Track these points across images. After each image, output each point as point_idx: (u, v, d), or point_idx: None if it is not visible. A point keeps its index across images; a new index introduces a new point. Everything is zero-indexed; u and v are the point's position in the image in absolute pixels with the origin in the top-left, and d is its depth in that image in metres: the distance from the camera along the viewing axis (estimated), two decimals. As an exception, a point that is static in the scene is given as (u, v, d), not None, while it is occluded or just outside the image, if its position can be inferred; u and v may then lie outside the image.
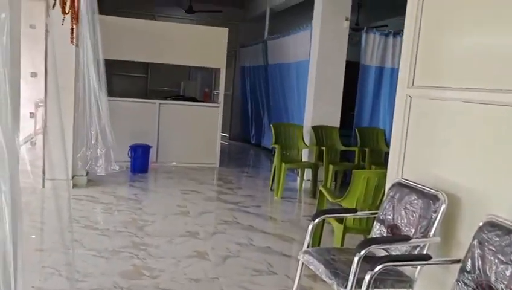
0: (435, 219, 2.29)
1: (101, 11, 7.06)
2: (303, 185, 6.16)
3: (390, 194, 2.60)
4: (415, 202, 2.42)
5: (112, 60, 8.05)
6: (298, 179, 6.36)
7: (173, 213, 4.64)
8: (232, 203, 5.18)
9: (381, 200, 3.09)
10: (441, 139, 2.54)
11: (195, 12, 8.75)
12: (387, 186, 2.80)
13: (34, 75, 5.22)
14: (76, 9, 4.46)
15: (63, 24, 4.12)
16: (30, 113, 7.44)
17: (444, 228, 2.36)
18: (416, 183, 2.50)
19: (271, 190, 5.92)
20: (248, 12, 10.27)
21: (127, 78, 9.85)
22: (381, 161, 6.15)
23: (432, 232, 2.29)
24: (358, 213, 2.76)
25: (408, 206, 2.46)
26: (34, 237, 3.75)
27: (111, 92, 6.89)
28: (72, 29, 4.46)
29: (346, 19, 6.12)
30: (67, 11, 4.10)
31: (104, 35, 6.46)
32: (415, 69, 2.81)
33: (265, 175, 7.02)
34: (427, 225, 2.31)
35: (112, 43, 6.53)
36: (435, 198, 2.32)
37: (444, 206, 2.28)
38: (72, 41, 4.42)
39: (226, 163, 7.61)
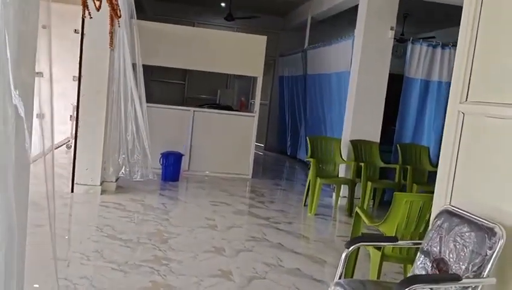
0: (491, 257, 1.96)
1: (141, 18, 7.07)
2: (338, 201, 5.85)
3: (438, 223, 2.28)
4: (467, 234, 2.10)
5: (150, 66, 8.07)
6: (334, 195, 6.05)
7: (200, 226, 4.44)
8: (263, 218, 4.93)
9: (426, 227, 2.77)
10: (499, 162, 2.21)
11: (235, 19, 8.61)
12: (434, 213, 2.49)
13: (76, 79, 5.21)
14: (115, 11, 4.39)
15: (91, 17, 4.00)
16: (70, 116, 7.53)
17: (500, 267, 2.03)
18: (469, 213, 2.18)
19: (304, 205, 5.64)
20: (289, 21, 10.07)
21: (164, 85, 9.84)
22: (424, 180, 5.76)
23: (486, 272, 1.97)
24: (400, 242, 2.45)
25: (458, 238, 2.14)
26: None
27: (148, 98, 6.86)
28: (112, 32, 4.39)
29: (392, 29, 5.80)
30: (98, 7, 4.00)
31: (141, 40, 6.45)
32: (469, 82, 2.49)
33: (299, 189, 6.74)
34: (481, 263, 1.99)
35: (149, 49, 6.49)
36: (491, 232, 2.00)
37: (501, 241, 1.95)
38: (110, 45, 4.35)
39: (260, 174, 7.38)
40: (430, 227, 2.35)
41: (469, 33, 2.50)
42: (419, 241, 2.36)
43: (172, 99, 9.31)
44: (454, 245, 2.15)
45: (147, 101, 6.84)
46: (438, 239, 2.25)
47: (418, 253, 2.32)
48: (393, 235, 2.82)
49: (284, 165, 9.06)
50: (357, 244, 2.34)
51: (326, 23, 8.74)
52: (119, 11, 4.43)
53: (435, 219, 2.32)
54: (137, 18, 6.56)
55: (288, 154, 9.49)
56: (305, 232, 4.78)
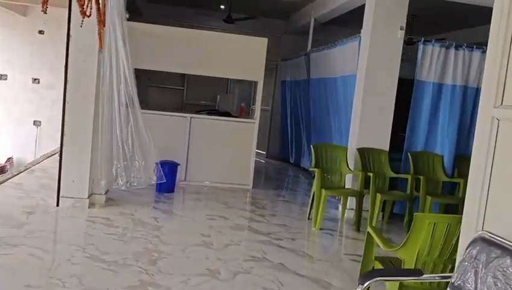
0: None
1: (138, 20, 6.72)
2: (345, 214, 5.43)
3: (472, 253, 1.88)
4: (511, 269, 1.70)
5: (147, 71, 7.71)
6: (340, 206, 5.65)
7: (194, 244, 4.04)
8: (263, 234, 4.52)
9: (452, 254, 2.36)
10: (547, 180, 1.81)
11: (234, 21, 8.25)
12: (463, 238, 2.09)
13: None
14: (102, 11, 4.03)
15: (81, 26, 3.66)
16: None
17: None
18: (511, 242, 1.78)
19: (308, 219, 5.23)
20: (290, 24, 9.71)
21: (163, 91, 9.49)
22: (438, 191, 5.36)
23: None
24: (425, 276, 2.04)
25: (499, 274, 1.73)
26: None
27: (145, 104, 6.47)
28: (100, 32, 4.03)
29: (401, 29, 5.41)
30: (88, 14, 3.67)
31: (136, 43, 6.08)
32: (505, 82, 2.09)
33: (303, 200, 6.33)
34: (532, 308, 1.58)
35: (144, 52, 6.14)
36: (543, 268, 1.59)
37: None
38: (101, 46, 3.98)
39: (261, 184, 6.98)
40: (461, 257, 1.94)
41: (503, 27, 2.11)
42: (449, 275, 1.95)
43: (171, 105, 8.95)
44: (495, 282, 1.74)
45: (144, 108, 6.48)
46: (472, 273, 1.84)
47: (448, 289, 1.92)
48: (413, 261, 2.42)
49: (287, 173, 8.65)
50: (373, 280, 1.94)
51: (330, 25, 8.37)
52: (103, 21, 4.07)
53: (467, 248, 1.91)
54: (134, 21, 6.24)
55: (292, 162, 9.08)
56: (309, 250, 4.36)
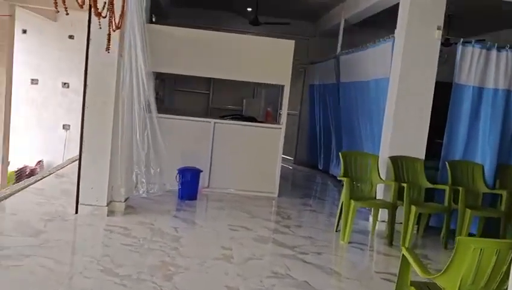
0: None
1: (164, 23, 6.60)
2: (376, 226, 5.10)
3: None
4: None
5: (173, 75, 7.58)
6: (370, 218, 5.31)
7: (214, 257, 3.81)
8: (288, 247, 4.25)
9: (502, 280, 2.04)
10: None
11: (261, 24, 8.03)
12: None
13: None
14: (113, 12, 3.87)
15: (100, 27, 3.51)
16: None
17: None
18: None
19: (336, 231, 4.93)
20: (319, 26, 9.41)
21: (189, 95, 9.35)
22: (478, 204, 4.96)
23: None
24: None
25: None
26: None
27: (171, 109, 6.32)
28: (109, 35, 3.86)
29: (438, 28, 5.05)
30: (104, 15, 3.52)
31: (159, 46, 5.95)
32: None
33: (331, 210, 6.02)
34: None
35: (166, 55, 5.99)
36: None
37: None
38: (107, 49, 3.82)
39: (287, 192, 6.70)
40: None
41: None
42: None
43: (196, 110, 8.79)
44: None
45: (169, 112, 6.35)
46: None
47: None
48: (456, 290, 2.10)
49: (315, 181, 8.34)
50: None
51: (361, 26, 8.04)
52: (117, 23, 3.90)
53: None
54: (159, 24, 6.13)
55: (320, 168, 8.76)
56: (336, 266, 4.06)
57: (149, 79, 4.65)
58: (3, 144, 8.21)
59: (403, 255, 2.49)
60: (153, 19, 7.38)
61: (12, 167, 9.75)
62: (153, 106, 4.66)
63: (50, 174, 6.36)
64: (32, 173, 9.71)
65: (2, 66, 8.19)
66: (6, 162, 8.59)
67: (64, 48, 10.18)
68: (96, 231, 4.23)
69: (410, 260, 2.35)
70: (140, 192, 4.90)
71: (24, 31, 10.39)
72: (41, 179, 5.91)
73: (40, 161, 10.45)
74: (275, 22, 8.23)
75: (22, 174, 9.98)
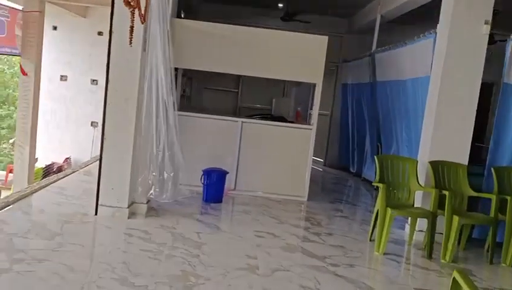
0: None
1: (192, 19, 6.38)
2: (414, 236, 4.72)
3: None
4: None
5: (203, 73, 7.36)
6: (407, 227, 4.94)
7: (237, 267, 3.53)
8: (317, 258, 3.94)
9: None
10: None
11: (292, 19, 7.71)
12: None
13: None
14: (140, 4, 3.66)
15: (133, 19, 3.31)
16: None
17: None
18: None
19: (370, 240, 4.58)
20: (353, 23, 9.01)
21: (217, 93, 9.11)
22: (528, 216, 4.49)
23: None
24: None
25: None
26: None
27: (198, 107, 6.10)
28: (132, 27, 3.65)
29: (486, 23, 4.63)
30: (133, 4, 3.32)
31: (185, 42, 5.73)
32: None
33: (364, 217, 5.67)
34: None
35: (193, 51, 5.77)
36: None
37: None
38: (130, 42, 3.60)
39: (317, 196, 6.38)
40: None
41: None
42: None
43: (225, 109, 8.57)
44: None
45: (194, 111, 6.12)
46: None
47: None
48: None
49: (346, 184, 7.97)
50: None
51: (397, 24, 7.62)
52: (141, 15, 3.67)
53: None
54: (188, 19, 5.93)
55: (352, 171, 8.39)
56: (370, 281, 3.71)
57: (167, 75, 4.41)
58: (30, 141, 8.19)
59: (454, 280, 2.15)
60: (182, 15, 7.18)
61: (41, 164, 9.78)
62: (171, 104, 4.41)
63: (74, 172, 6.25)
64: (60, 169, 9.70)
65: (31, 62, 8.19)
66: (33, 159, 8.58)
67: (93, 44, 10.14)
68: (114, 235, 4.02)
69: (464, 284, 2.01)
70: (154, 195, 4.68)
71: (54, 28, 10.43)
72: (63, 177, 5.78)
73: (68, 158, 10.46)
74: (302, 20, 7.89)
75: (49, 171, 10.00)
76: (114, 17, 4.21)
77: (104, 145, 4.35)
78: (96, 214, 4.37)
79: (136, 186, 4.54)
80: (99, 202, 4.39)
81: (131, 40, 3.64)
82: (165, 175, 4.53)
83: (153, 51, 4.33)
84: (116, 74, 4.29)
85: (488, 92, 4.88)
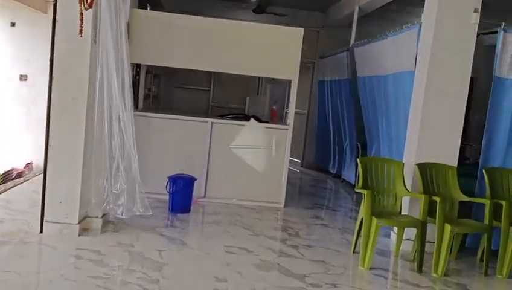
0: None
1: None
2: (401, 246, 4.29)
3: None
4: None
5: (171, 70, 6.80)
6: (393, 235, 4.53)
7: (203, 293, 3.03)
8: (296, 277, 3.46)
9: None
10: None
11: (264, 12, 7.23)
12: None
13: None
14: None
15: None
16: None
17: None
18: None
19: (353, 252, 4.14)
20: (330, 17, 8.58)
21: (187, 92, 8.55)
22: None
23: None
24: None
25: None
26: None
27: (166, 108, 5.57)
28: (82, 14, 3.11)
29: (475, 11, 4.23)
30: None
31: (147, 35, 5.18)
32: None
33: (344, 224, 5.25)
34: None
35: (158, 46, 5.23)
36: None
37: None
38: (80, 32, 3.06)
39: (295, 201, 5.92)
40: None
41: None
42: None
43: (196, 108, 8.03)
44: None
45: (165, 111, 5.56)
46: None
47: None
48: None
49: (326, 187, 7.53)
50: None
51: (377, 15, 7.22)
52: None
53: None
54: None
55: (332, 173, 7.96)
56: (357, 304, 3.26)
57: (119, 72, 3.85)
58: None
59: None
60: (148, 8, 6.62)
61: (-1, 170, 9.04)
62: (128, 104, 3.87)
63: (26, 180, 5.62)
64: (20, 176, 9.00)
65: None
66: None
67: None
68: (60, 258, 3.45)
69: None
70: (107, 209, 4.09)
71: (13, 24, 9.68)
72: (12, 187, 5.15)
73: (30, 163, 9.73)
74: (276, 13, 7.43)
75: (8, 178, 9.28)
76: (58, 3, 3.64)
77: (48, 153, 3.77)
78: (41, 232, 3.80)
79: (89, 198, 3.97)
80: (45, 218, 3.82)
81: (81, 30, 3.10)
82: (119, 187, 3.95)
83: (104, 44, 3.77)
84: (61, 70, 3.73)
85: (471, 88, 4.49)
